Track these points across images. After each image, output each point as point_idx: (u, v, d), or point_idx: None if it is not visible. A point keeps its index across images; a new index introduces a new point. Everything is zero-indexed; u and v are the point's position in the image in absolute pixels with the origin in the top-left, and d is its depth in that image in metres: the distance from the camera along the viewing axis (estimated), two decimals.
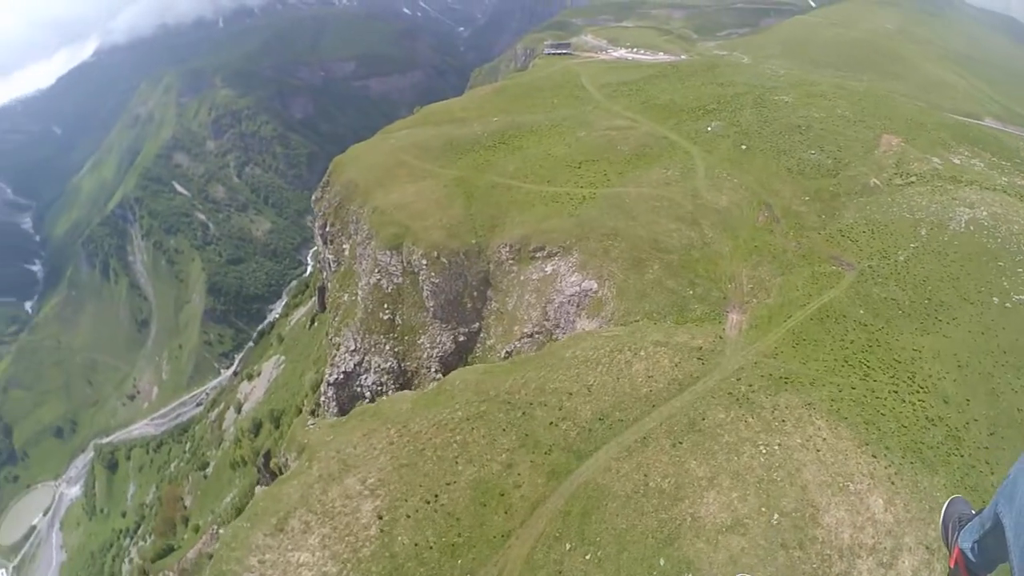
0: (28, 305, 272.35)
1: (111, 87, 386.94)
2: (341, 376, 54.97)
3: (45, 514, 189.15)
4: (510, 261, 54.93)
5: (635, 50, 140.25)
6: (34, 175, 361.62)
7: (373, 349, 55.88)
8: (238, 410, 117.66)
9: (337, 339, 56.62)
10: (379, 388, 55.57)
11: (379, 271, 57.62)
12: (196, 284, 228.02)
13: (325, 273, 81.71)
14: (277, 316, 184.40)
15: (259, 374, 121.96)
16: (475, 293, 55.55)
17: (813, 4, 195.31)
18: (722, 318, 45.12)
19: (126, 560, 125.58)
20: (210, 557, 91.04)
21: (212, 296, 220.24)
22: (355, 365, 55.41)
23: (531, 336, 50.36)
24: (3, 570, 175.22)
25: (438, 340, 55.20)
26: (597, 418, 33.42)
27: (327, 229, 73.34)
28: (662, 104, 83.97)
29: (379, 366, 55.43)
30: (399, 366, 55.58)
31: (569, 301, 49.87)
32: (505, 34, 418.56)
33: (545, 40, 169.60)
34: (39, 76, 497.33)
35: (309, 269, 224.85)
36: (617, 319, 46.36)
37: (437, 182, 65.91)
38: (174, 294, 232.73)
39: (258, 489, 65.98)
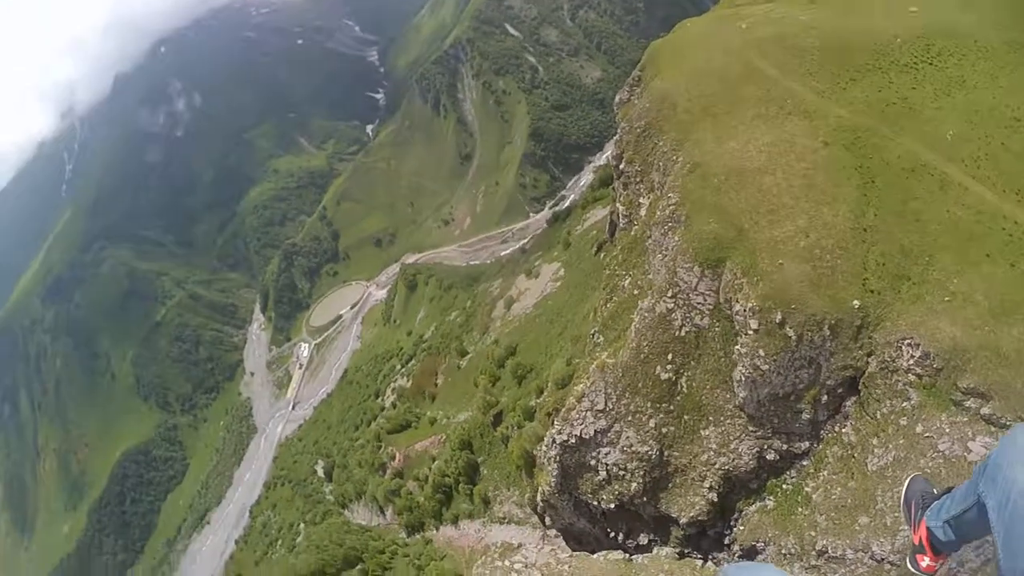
0: (369, 129, 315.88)
1: None
2: (573, 440, 36.44)
3: (352, 308, 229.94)
4: (912, 377, 24.75)
5: None
6: (379, 14, 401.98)
7: (630, 418, 35.09)
8: (508, 306, 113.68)
9: (581, 385, 37.14)
10: (621, 473, 35.67)
11: (675, 294, 34.10)
12: (520, 126, 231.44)
13: (617, 218, 60.14)
14: (575, 201, 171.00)
15: (537, 276, 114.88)
16: (825, 398, 27.95)
17: None
18: None
19: (389, 387, 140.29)
20: (432, 459, 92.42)
21: (533, 140, 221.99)
22: (596, 432, 35.81)
23: (879, 561, 22.67)
24: (307, 345, 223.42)
25: (732, 445, 31.31)
26: None
27: (622, 166, 50.41)
28: None
29: (630, 445, 34.89)
30: (660, 455, 34.13)
31: None
32: None
33: None
34: None
35: None
36: None
37: (811, 129, 33.42)
38: (497, 133, 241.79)
39: None
